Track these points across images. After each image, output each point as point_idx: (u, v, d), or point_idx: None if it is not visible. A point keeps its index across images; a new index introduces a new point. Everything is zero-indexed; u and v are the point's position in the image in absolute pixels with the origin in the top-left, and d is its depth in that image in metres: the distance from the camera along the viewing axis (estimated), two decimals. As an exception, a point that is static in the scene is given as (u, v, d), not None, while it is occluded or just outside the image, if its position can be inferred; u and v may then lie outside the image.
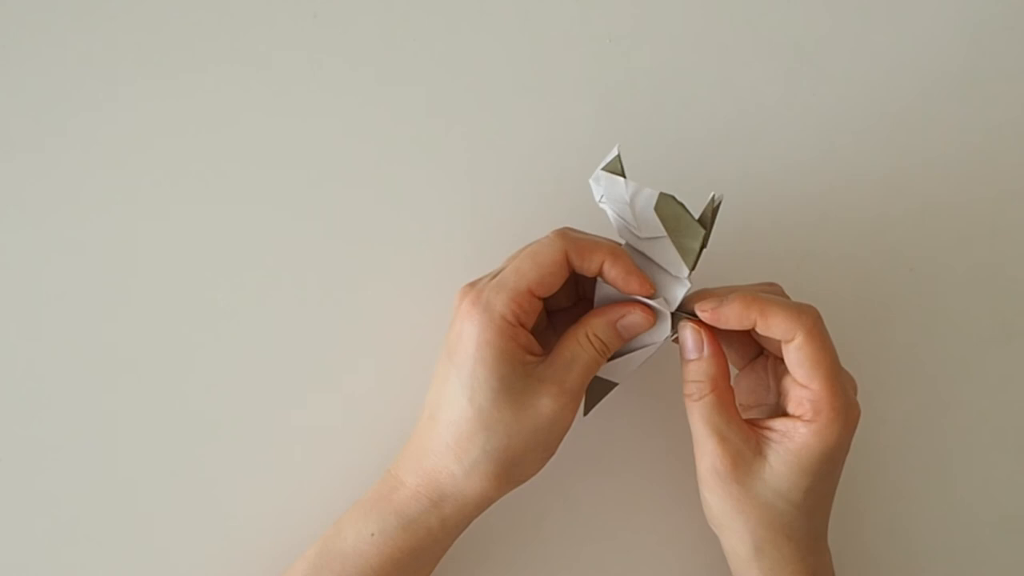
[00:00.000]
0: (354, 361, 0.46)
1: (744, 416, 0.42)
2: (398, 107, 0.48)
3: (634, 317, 0.40)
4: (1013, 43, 0.50)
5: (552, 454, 0.40)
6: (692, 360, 0.40)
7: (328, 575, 0.39)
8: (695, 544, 0.46)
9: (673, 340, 0.41)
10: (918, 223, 0.49)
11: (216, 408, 0.45)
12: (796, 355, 0.38)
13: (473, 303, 0.38)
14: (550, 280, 0.38)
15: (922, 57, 0.50)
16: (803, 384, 0.39)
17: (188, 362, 0.45)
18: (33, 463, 0.44)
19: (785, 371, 0.40)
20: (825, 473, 0.39)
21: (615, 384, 0.42)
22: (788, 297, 0.42)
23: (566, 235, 0.39)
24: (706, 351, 0.40)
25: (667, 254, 0.40)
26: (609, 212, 0.40)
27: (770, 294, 0.40)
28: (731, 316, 0.39)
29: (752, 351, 0.44)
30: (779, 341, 0.39)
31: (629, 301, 0.40)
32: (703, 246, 0.39)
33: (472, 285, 0.40)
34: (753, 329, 0.39)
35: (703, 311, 0.39)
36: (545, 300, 0.42)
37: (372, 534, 0.39)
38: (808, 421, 0.38)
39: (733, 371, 0.43)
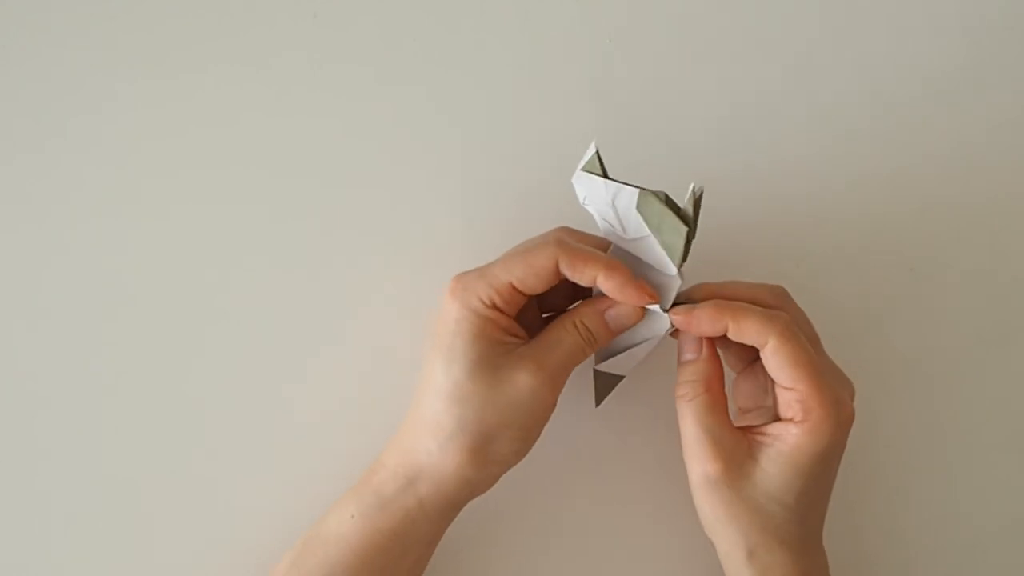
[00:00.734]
0: (354, 358, 0.46)
1: (743, 420, 0.43)
2: (398, 107, 0.48)
3: (623, 309, 0.40)
4: (1013, 43, 0.50)
5: (531, 438, 0.40)
6: (689, 360, 0.41)
7: (311, 559, 0.39)
8: (692, 548, 0.46)
9: (672, 335, 0.41)
10: (918, 223, 0.49)
11: (214, 406, 0.45)
12: (774, 359, 0.38)
13: (455, 284, 0.39)
14: (534, 282, 0.39)
15: (922, 57, 0.50)
16: (789, 387, 0.39)
17: (188, 361, 0.45)
18: (32, 462, 0.44)
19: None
20: (818, 474, 0.39)
21: (622, 377, 0.42)
22: (793, 302, 0.42)
23: (562, 243, 0.39)
24: (704, 352, 0.40)
25: (654, 253, 0.39)
26: (594, 213, 0.40)
27: (739, 297, 0.40)
28: (703, 322, 0.39)
29: (749, 355, 0.43)
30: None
31: None
32: (690, 239, 0.39)
33: (462, 275, 0.40)
34: (726, 335, 0.39)
35: (676, 316, 0.40)
36: (540, 300, 0.42)
37: (352, 516, 0.39)
38: (799, 422, 0.38)
39: (730, 375, 0.43)
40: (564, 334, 0.40)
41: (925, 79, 0.50)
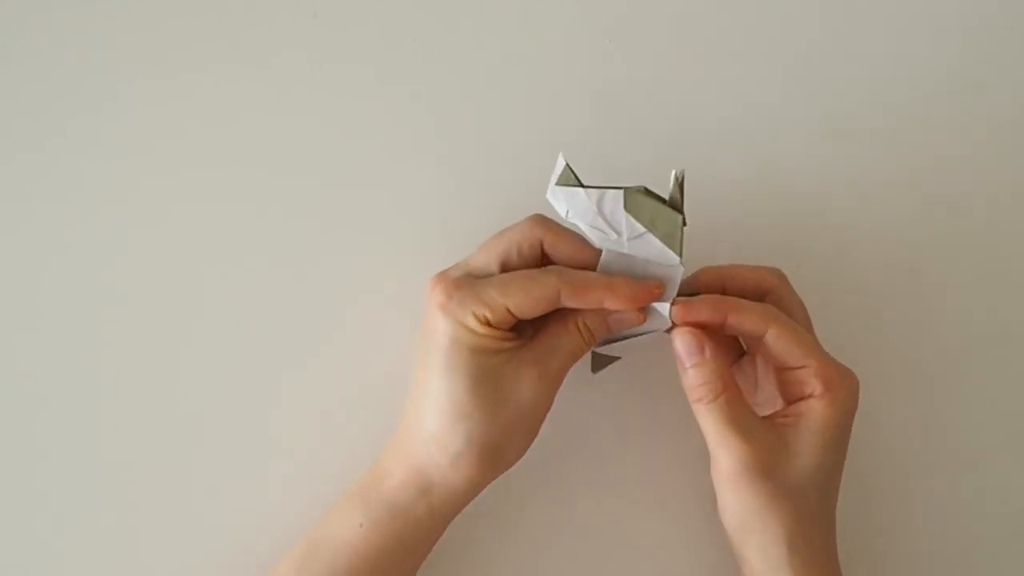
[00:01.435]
0: (353, 358, 0.46)
1: None
2: (398, 107, 0.48)
3: (626, 315, 0.40)
4: (1013, 43, 0.50)
5: (535, 437, 0.40)
6: (696, 364, 0.39)
7: (317, 565, 0.39)
8: (694, 546, 0.46)
9: (666, 331, 0.41)
10: (918, 223, 0.49)
11: (213, 405, 0.45)
12: (779, 342, 0.39)
13: (448, 297, 0.38)
14: (532, 310, 0.38)
15: (922, 57, 0.50)
16: (800, 365, 0.39)
17: (187, 360, 0.45)
18: (32, 462, 0.44)
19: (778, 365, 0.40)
20: (842, 445, 0.40)
21: (618, 358, 0.42)
22: (790, 285, 0.42)
23: (562, 274, 0.38)
24: (708, 352, 0.39)
25: (652, 248, 0.39)
26: (582, 226, 0.39)
27: (743, 279, 0.41)
28: (703, 311, 0.39)
29: (734, 353, 0.44)
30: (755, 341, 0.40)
31: None
32: (684, 225, 0.39)
33: (442, 274, 0.40)
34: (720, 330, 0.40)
35: (675, 314, 0.39)
36: None
37: (360, 524, 0.39)
38: (821, 395, 0.39)
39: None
40: (566, 337, 0.40)
41: (925, 78, 0.50)
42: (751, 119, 0.49)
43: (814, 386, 0.39)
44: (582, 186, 0.39)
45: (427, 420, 0.38)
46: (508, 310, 0.38)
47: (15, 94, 0.46)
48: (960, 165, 0.49)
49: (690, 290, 0.41)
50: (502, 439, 0.39)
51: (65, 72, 0.47)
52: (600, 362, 0.43)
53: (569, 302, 0.38)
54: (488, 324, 0.38)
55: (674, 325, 0.40)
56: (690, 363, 0.40)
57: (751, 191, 0.48)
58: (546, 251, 0.40)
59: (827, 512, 0.40)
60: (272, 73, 0.47)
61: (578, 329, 0.40)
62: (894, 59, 0.50)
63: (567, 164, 0.39)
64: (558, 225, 0.40)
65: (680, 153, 0.48)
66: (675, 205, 0.39)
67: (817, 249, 0.48)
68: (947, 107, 0.50)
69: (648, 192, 0.39)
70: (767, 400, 0.43)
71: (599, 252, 0.40)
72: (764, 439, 0.39)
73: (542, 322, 0.40)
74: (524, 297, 0.38)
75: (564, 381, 0.40)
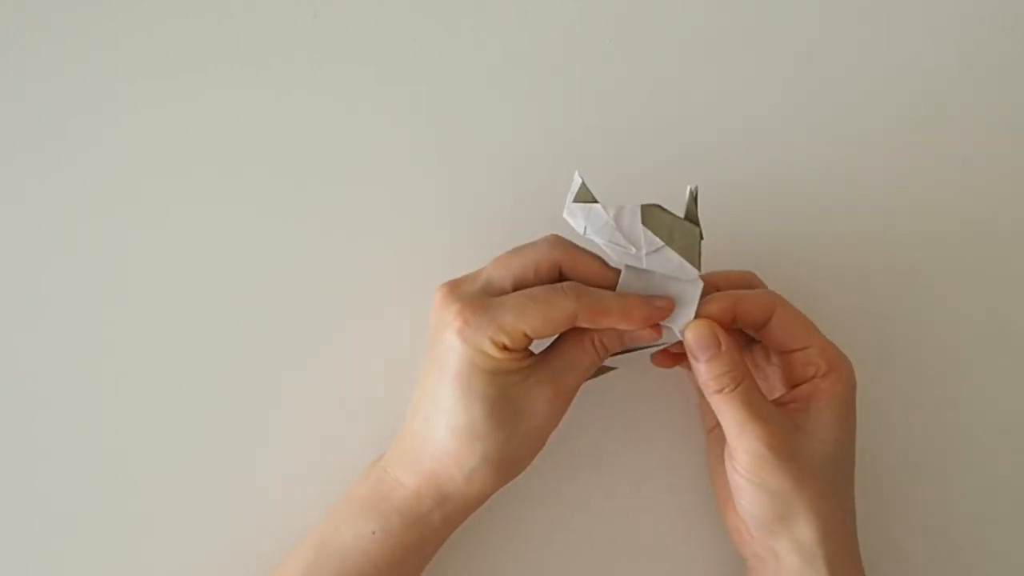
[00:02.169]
0: (353, 358, 0.46)
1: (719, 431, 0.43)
2: (398, 107, 0.48)
3: (643, 334, 0.40)
4: (1013, 43, 0.50)
5: (543, 447, 0.40)
6: (712, 357, 0.39)
7: (328, 572, 0.39)
8: (697, 546, 0.46)
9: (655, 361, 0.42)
10: (918, 223, 0.49)
11: (213, 406, 0.45)
12: (782, 327, 0.41)
13: (465, 323, 0.38)
14: (549, 332, 0.38)
15: (922, 57, 0.50)
16: (803, 346, 0.41)
17: (187, 360, 0.45)
18: (32, 462, 0.44)
19: (797, 352, 0.41)
20: (851, 419, 0.41)
21: (614, 368, 0.42)
22: (764, 284, 0.44)
23: (581, 297, 0.38)
24: (723, 344, 0.40)
25: (671, 262, 0.39)
26: (600, 242, 0.39)
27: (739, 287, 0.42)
28: (714, 313, 0.40)
29: (742, 342, 0.44)
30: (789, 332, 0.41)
31: None
32: (701, 239, 0.39)
33: (454, 288, 0.39)
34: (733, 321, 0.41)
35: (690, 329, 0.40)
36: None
37: (373, 532, 0.39)
38: (826, 374, 0.40)
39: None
40: (582, 354, 0.40)
41: (926, 78, 0.50)
42: (751, 119, 0.49)
43: (819, 365, 0.40)
44: (596, 202, 0.39)
45: (440, 436, 0.38)
46: (525, 335, 0.38)
47: (15, 94, 0.46)
48: (960, 165, 0.49)
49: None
50: (516, 454, 0.39)
51: (65, 72, 0.47)
52: (598, 371, 0.43)
53: (586, 324, 0.39)
54: (505, 348, 0.38)
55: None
56: (706, 356, 0.40)
57: (751, 191, 0.48)
58: (564, 272, 0.40)
59: (848, 493, 0.41)
60: (272, 73, 0.47)
61: (594, 346, 0.40)
62: (895, 59, 0.50)
63: (583, 181, 0.39)
64: (576, 246, 0.40)
65: (680, 153, 0.48)
66: (692, 219, 0.39)
67: (817, 249, 0.48)
68: (947, 107, 0.50)
69: (663, 208, 0.39)
70: (769, 390, 0.43)
71: (616, 272, 0.40)
72: (782, 423, 0.39)
73: (557, 337, 0.41)
74: (542, 322, 0.38)
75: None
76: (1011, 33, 0.50)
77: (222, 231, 0.46)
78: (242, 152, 0.47)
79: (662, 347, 0.41)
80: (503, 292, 0.39)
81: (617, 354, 0.42)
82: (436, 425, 0.38)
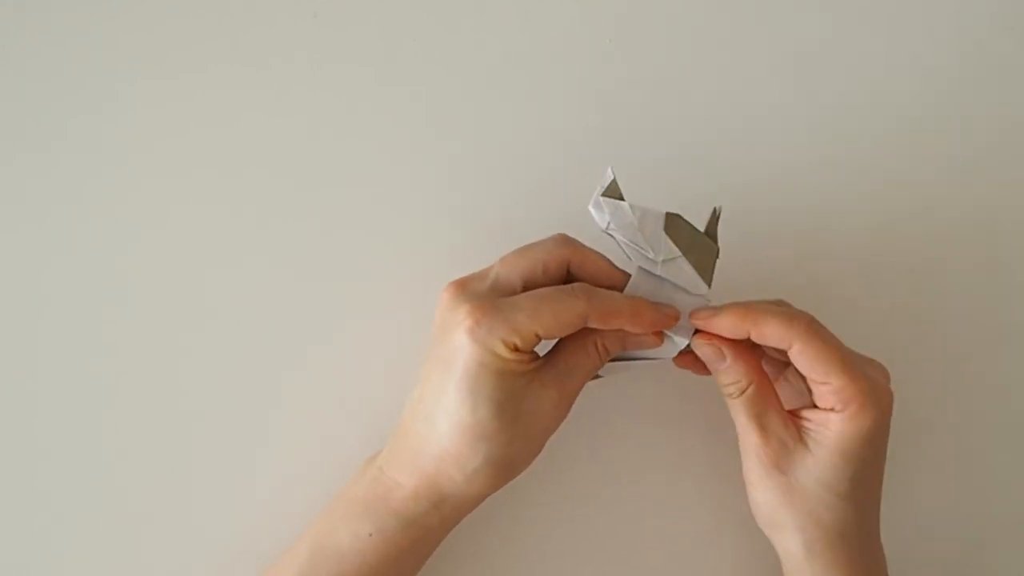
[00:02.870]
0: (353, 358, 0.46)
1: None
2: (398, 107, 0.48)
3: (645, 339, 0.40)
4: (1013, 43, 0.50)
5: (541, 450, 0.40)
6: (720, 370, 0.41)
7: (324, 573, 0.39)
8: (702, 547, 0.46)
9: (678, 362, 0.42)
10: (918, 223, 0.49)
11: (212, 405, 0.45)
12: (801, 359, 0.39)
13: (477, 324, 0.37)
14: (559, 333, 0.38)
15: (922, 58, 0.50)
16: (823, 381, 0.39)
17: (187, 360, 0.45)
18: (31, 462, 0.44)
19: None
20: (867, 458, 0.39)
21: (600, 376, 0.42)
22: (817, 328, 0.42)
23: (591, 298, 0.38)
24: (728, 356, 0.40)
25: (684, 274, 0.40)
26: (619, 239, 0.39)
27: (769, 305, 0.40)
28: (724, 325, 0.39)
29: (779, 365, 0.44)
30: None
31: None
32: (716, 258, 0.40)
33: (463, 286, 0.39)
34: (751, 339, 0.40)
35: (698, 319, 0.40)
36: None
37: (370, 534, 0.39)
38: (839, 412, 0.39)
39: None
40: (585, 358, 0.40)
41: (925, 80, 0.50)
42: (751, 119, 0.49)
43: (834, 402, 0.39)
44: (623, 199, 0.39)
45: (443, 437, 0.38)
46: (537, 335, 0.38)
47: (15, 94, 0.46)
48: (960, 165, 0.49)
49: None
50: (517, 456, 0.39)
51: (65, 72, 0.47)
52: None
53: (595, 324, 0.39)
54: (516, 349, 0.38)
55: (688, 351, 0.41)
56: (715, 369, 0.41)
57: (751, 191, 0.48)
58: (572, 271, 0.40)
59: (860, 528, 0.40)
60: (272, 73, 0.47)
61: (596, 349, 0.40)
62: (896, 59, 0.50)
63: (615, 178, 0.39)
64: (583, 246, 0.41)
65: (680, 153, 0.48)
66: (713, 237, 0.40)
67: (817, 249, 0.48)
68: (947, 107, 0.50)
69: (686, 220, 0.39)
70: (797, 394, 0.43)
71: (624, 273, 0.40)
72: (782, 435, 0.40)
73: (559, 341, 0.41)
74: (553, 322, 0.38)
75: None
76: (1011, 33, 0.50)
77: (222, 231, 0.46)
78: (242, 152, 0.47)
79: (658, 359, 0.41)
80: (512, 291, 0.39)
81: (616, 359, 0.41)
82: (439, 425, 0.38)
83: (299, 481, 0.45)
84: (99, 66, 0.47)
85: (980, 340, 0.48)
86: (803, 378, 0.41)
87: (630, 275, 0.40)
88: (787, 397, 0.43)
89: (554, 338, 0.39)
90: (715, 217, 0.40)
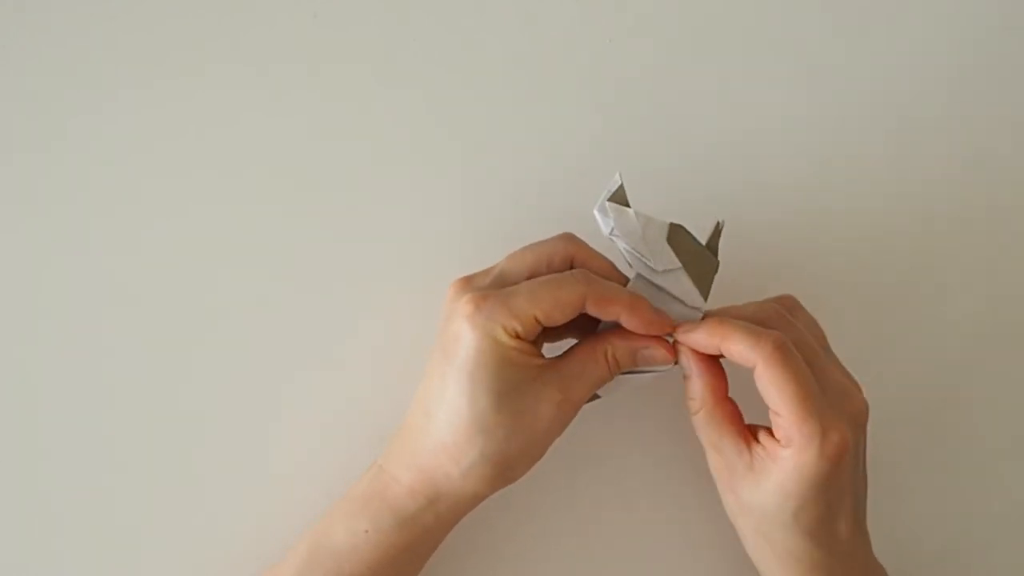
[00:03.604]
0: (350, 358, 0.46)
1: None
2: (398, 107, 0.48)
3: (656, 352, 0.40)
4: (1013, 44, 0.50)
5: (542, 456, 0.40)
6: (687, 378, 0.41)
7: (321, 572, 0.39)
8: (698, 547, 0.46)
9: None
10: (918, 223, 0.49)
11: (214, 406, 0.45)
12: (760, 383, 0.38)
13: (476, 308, 0.38)
14: (559, 317, 0.38)
15: (922, 58, 0.50)
16: (775, 411, 0.38)
17: (186, 361, 0.45)
18: (31, 463, 0.44)
19: None
20: (812, 498, 0.38)
21: (597, 396, 0.42)
22: (801, 311, 0.42)
23: (590, 281, 0.38)
24: (695, 370, 0.40)
25: (682, 285, 0.40)
26: (621, 245, 0.39)
27: (753, 317, 0.40)
28: (698, 340, 0.39)
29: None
30: None
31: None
32: (714, 272, 0.40)
33: (468, 281, 0.40)
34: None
35: (680, 333, 0.40)
36: None
37: (366, 531, 0.39)
38: (784, 447, 0.38)
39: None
40: (594, 366, 0.40)
41: (925, 80, 0.50)
42: (751, 120, 0.49)
43: (781, 435, 0.38)
44: (629, 206, 0.39)
45: (441, 429, 0.38)
46: (536, 319, 0.38)
47: (15, 94, 0.46)
48: (960, 165, 0.49)
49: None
50: (515, 457, 0.39)
51: (65, 72, 0.47)
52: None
53: (592, 308, 0.38)
54: (517, 336, 0.38)
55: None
56: (684, 375, 0.41)
57: (751, 191, 0.48)
58: (576, 267, 0.40)
59: (812, 550, 0.39)
60: (272, 73, 0.47)
61: (606, 359, 0.40)
62: (896, 60, 0.50)
63: (622, 183, 0.39)
64: (588, 245, 0.41)
65: (680, 153, 0.48)
66: (714, 251, 0.40)
67: (817, 250, 0.48)
68: (947, 108, 0.50)
69: (689, 232, 0.39)
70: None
71: (625, 278, 0.40)
72: (733, 459, 0.40)
73: (570, 346, 0.41)
74: (552, 304, 0.38)
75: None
76: (1011, 33, 0.50)
77: (222, 231, 0.46)
78: (242, 152, 0.47)
79: (651, 376, 0.41)
80: (516, 284, 0.39)
81: (626, 373, 0.41)
82: (437, 418, 0.38)
83: (302, 482, 0.45)
84: (99, 66, 0.47)
85: (980, 340, 0.48)
86: None
87: (629, 280, 0.40)
88: None
89: (555, 323, 0.38)
90: (717, 231, 0.40)
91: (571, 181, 0.47)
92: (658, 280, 0.40)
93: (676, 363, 0.40)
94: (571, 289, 0.38)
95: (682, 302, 0.40)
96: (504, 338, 0.37)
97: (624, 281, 0.40)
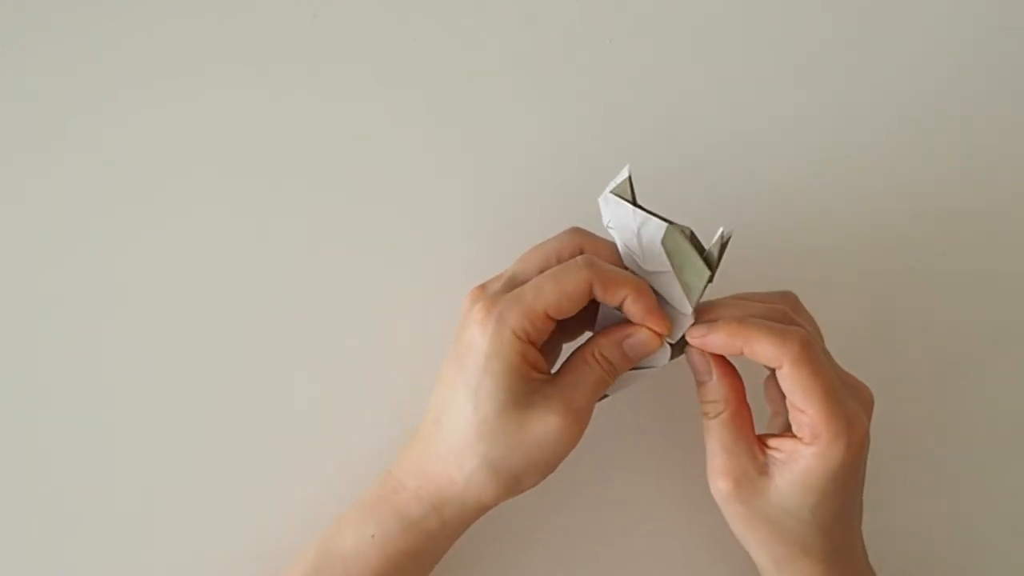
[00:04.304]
0: (357, 363, 0.46)
1: (774, 422, 0.43)
2: (398, 108, 0.48)
3: (641, 336, 0.40)
4: (1013, 44, 0.50)
5: (552, 471, 0.39)
6: (704, 382, 0.40)
7: (328, 574, 0.39)
8: (696, 551, 0.46)
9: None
10: (918, 223, 0.49)
11: (218, 409, 0.45)
12: (786, 382, 0.38)
13: (487, 313, 0.38)
14: (568, 307, 0.38)
15: (922, 58, 0.50)
16: (799, 409, 0.38)
17: (187, 362, 0.45)
18: (32, 463, 0.44)
19: None
20: (832, 492, 0.38)
21: (605, 395, 0.42)
22: (801, 309, 0.42)
23: (593, 264, 0.38)
24: (714, 373, 0.40)
25: (671, 289, 0.39)
26: (616, 238, 0.39)
27: (762, 316, 0.39)
28: (718, 344, 0.39)
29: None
30: None
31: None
32: (709, 282, 0.39)
33: (483, 288, 0.40)
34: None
35: (693, 337, 0.40)
36: None
37: (372, 535, 0.39)
38: (808, 444, 0.38)
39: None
40: (586, 369, 0.39)
41: (925, 80, 0.50)
42: (751, 120, 0.49)
43: (804, 433, 0.38)
44: (634, 202, 0.39)
45: (448, 436, 0.38)
46: (547, 314, 0.38)
47: (15, 94, 0.46)
48: (960, 165, 0.49)
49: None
50: (520, 467, 0.38)
51: (65, 72, 0.47)
52: None
53: (599, 293, 0.38)
54: (529, 340, 0.38)
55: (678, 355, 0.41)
56: (698, 379, 0.41)
57: (750, 192, 0.48)
58: (593, 293, 0.39)
59: (825, 546, 0.40)
60: (272, 73, 0.47)
61: (596, 360, 0.39)
62: (896, 60, 0.50)
63: (629, 177, 0.39)
64: (596, 235, 0.40)
65: (679, 153, 0.48)
66: (710, 260, 0.39)
67: (817, 250, 0.48)
68: (947, 108, 0.50)
69: (691, 236, 0.39)
70: (782, 425, 0.42)
71: (645, 294, 0.40)
72: (746, 465, 0.39)
73: (564, 362, 0.40)
74: (559, 296, 0.38)
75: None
76: (1011, 33, 0.50)
77: (222, 231, 0.46)
78: (242, 152, 0.47)
79: (648, 372, 0.41)
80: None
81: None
82: (444, 423, 0.38)
83: (303, 483, 0.45)
84: (99, 66, 0.47)
85: (980, 341, 0.48)
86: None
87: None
88: (770, 395, 0.43)
89: (566, 314, 0.38)
90: (721, 244, 0.39)
91: (571, 181, 0.47)
92: (647, 279, 0.39)
93: (674, 349, 0.40)
94: (576, 277, 0.38)
95: (671, 306, 0.40)
96: (515, 343, 0.37)
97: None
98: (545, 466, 0.39)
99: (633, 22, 0.49)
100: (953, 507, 0.47)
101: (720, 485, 0.40)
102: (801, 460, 0.38)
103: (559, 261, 0.40)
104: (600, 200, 0.39)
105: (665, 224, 0.39)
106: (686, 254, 0.39)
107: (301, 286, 0.46)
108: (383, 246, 0.47)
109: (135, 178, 0.46)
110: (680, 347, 0.40)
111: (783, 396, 0.41)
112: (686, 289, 0.39)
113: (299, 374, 0.46)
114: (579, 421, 0.39)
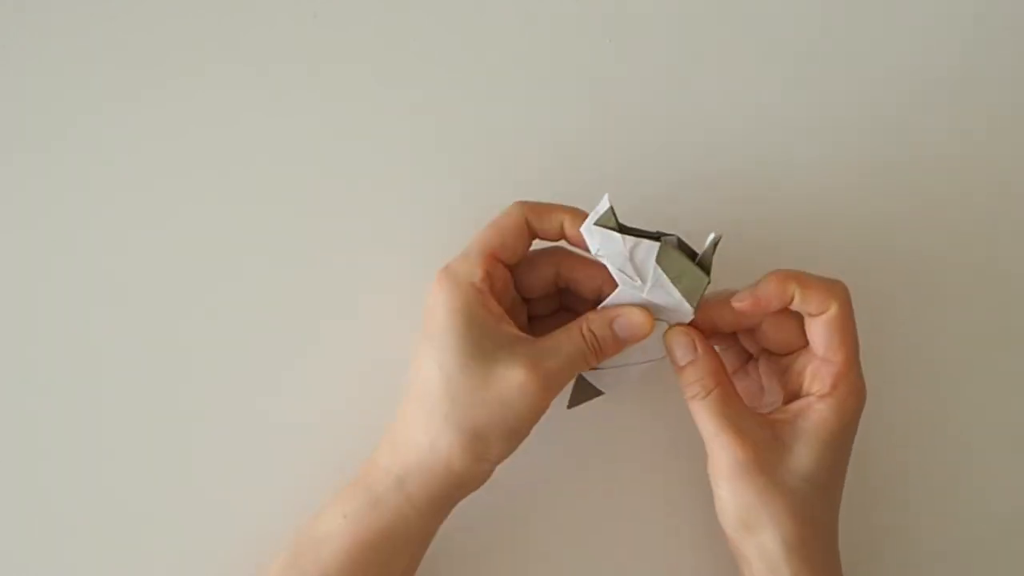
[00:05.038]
0: (357, 363, 0.46)
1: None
2: (397, 108, 0.48)
3: (632, 316, 0.40)
4: (1013, 43, 0.50)
5: (519, 437, 0.39)
6: (688, 363, 0.40)
7: (304, 561, 0.39)
8: (689, 546, 0.46)
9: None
10: (918, 223, 0.49)
11: (213, 406, 0.45)
12: (826, 328, 0.39)
13: (442, 272, 0.39)
14: (512, 243, 0.39)
15: (921, 57, 0.50)
16: (827, 358, 0.39)
17: (185, 360, 0.45)
18: (28, 463, 0.44)
19: (796, 356, 0.41)
20: (842, 447, 0.39)
21: (601, 392, 0.42)
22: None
23: (525, 201, 0.40)
24: (700, 350, 0.40)
25: (671, 298, 0.39)
26: (608, 265, 0.39)
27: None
28: (771, 295, 0.39)
29: (740, 358, 0.44)
30: (784, 333, 0.41)
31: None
32: (706, 286, 0.39)
33: (446, 266, 0.40)
34: (753, 322, 0.40)
35: (740, 302, 0.40)
36: (528, 305, 0.43)
37: (344, 516, 0.39)
38: (824, 396, 0.39)
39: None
40: (568, 340, 0.39)
41: (925, 79, 0.50)
42: (751, 119, 0.49)
43: (824, 384, 0.39)
44: (620, 228, 0.39)
45: (415, 402, 0.38)
46: (492, 254, 0.39)
47: (15, 94, 0.46)
48: (960, 165, 0.49)
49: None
50: (484, 426, 0.38)
51: (64, 72, 0.47)
52: (581, 394, 0.43)
53: (535, 223, 0.40)
54: (484, 287, 0.39)
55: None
56: (683, 361, 0.40)
57: (750, 192, 0.48)
58: (531, 225, 0.40)
59: (829, 514, 0.40)
60: (272, 73, 0.47)
61: (582, 334, 0.39)
62: (896, 59, 0.50)
63: (611, 207, 0.39)
64: (540, 203, 0.41)
65: (680, 154, 0.48)
66: (705, 265, 0.39)
67: (816, 249, 0.48)
68: (947, 107, 0.50)
69: (681, 244, 0.39)
70: (773, 403, 0.43)
71: (582, 217, 0.40)
72: (759, 435, 0.39)
73: (551, 327, 0.40)
74: (498, 234, 0.39)
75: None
76: (1011, 33, 0.50)
77: (221, 231, 0.46)
78: (242, 152, 0.47)
79: (643, 367, 0.41)
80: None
81: (601, 367, 0.41)
82: (412, 394, 0.39)
83: (302, 482, 0.45)
84: (99, 66, 0.47)
85: (979, 340, 0.48)
86: (769, 372, 0.42)
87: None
88: (743, 391, 0.43)
89: (511, 255, 0.40)
90: (712, 246, 0.39)
91: (570, 180, 0.47)
92: (647, 295, 0.39)
93: (672, 334, 0.40)
94: (510, 212, 0.40)
95: (670, 309, 0.40)
96: (469, 290, 0.38)
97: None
98: (511, 431, 0.38)
99: (633, 22, 0.49)
100: (954, 508, 0.47)
101: (738, 456, 0.38)
102: (815, 414, 0.39)
103: (506, 229, 0.40)
104: (582, 230, 0.39)
105: (656, 244, 0.39)
106: (682, 265, 0.39)
107: (300, 286, 0.46)
108: (383, 246, 0.47)
109: (135, 178, 0.46)
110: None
111: (754, 386, 0.43)
112: (686, 294, 0.39)
113: (298, 374, 0.46)
114: (546, 385, 0.38)
